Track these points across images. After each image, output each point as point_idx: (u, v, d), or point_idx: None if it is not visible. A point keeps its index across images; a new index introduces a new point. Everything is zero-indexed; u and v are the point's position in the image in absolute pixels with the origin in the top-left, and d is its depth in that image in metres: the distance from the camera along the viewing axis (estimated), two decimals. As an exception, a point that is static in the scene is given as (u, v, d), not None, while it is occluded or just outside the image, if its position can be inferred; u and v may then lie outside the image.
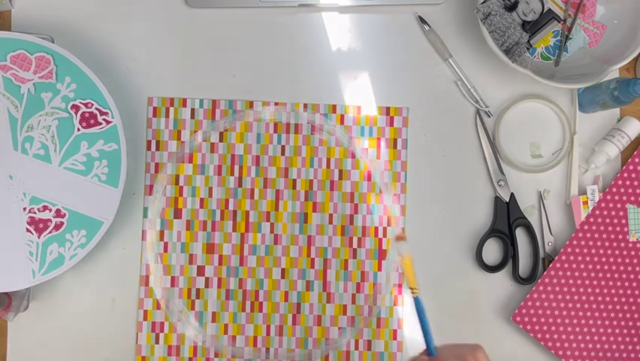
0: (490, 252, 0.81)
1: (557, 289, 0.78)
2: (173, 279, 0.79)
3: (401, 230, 0.79)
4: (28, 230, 0.73)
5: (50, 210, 0.74)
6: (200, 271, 0.79)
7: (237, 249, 0.80)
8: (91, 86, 0.74)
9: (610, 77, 0.77)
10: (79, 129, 0.74)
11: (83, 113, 0.74)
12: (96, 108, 0.74)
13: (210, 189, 0.80)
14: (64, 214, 0.74)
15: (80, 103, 0.74)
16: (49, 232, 0.73)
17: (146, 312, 0.79)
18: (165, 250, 0.79)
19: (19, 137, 0.74)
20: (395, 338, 0.79)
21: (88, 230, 0.74)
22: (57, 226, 0.74)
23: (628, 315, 0.79)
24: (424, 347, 0.80)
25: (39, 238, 0.73)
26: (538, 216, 0.81)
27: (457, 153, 0.81)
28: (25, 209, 0.74)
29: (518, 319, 0.78)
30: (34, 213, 0.74)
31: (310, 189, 0.81)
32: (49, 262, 0.73)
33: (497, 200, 0.80)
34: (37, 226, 0.73)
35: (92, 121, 0.74)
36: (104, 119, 0.74)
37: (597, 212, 0.79)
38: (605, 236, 0.79)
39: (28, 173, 0.74)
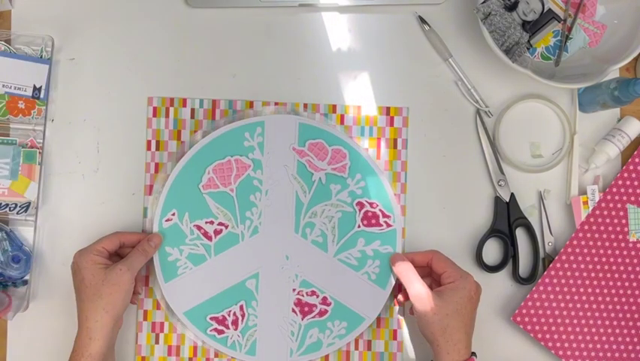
0: (490, 252, 0.81)
1: (557, 289, 0.78)
2: (173, 279, 0.79)
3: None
4: (293, 310, 0.76)
5: (317, 296, 0.76)
6: (201, 271, 0.79)
7: (238, 249, 0.80)
8: (379, 187, 0.77)
9: (610, 77, 0.77)
10: (359, 226, 0.77)
11: (367, 211, 0.76)
12: (380, 210, 0.77)
13: (210, 189, 0.80)
14: (330, 303, 0.76)
15: (366, 202, 0.77)
16: (313, 317, 0.76)
17: (146, 312, 0.79)
18: (165, 250, 0.79)
19: (301, 221, 0.76)
20: (395, 338, 0.79)
21: (349, 323, 0.76)
22: (321, 313, 0.76)
23: (628, 315, 0.79)
24: (423, 347, 0.80)
25: (302, 319, 0.76)
26: (539, 216, 0.81)
27: (457, 153, 0.81)
28: (294, 290, 0.76)
29: (518, 319, 0.78)
30: (302, 295, 0.76)
31: (310, 189, 0.80)
32: (308, 345, 0.76)
33: (497, 200, 0.80)
34: (303, 308, 0.76)
35: (373, 221, 0.77)
36: (384, 222, 0.77)
37: (597, 212, 0.79)
38: (605, 236, 0.79)
39: (303, 257, 0.76)
